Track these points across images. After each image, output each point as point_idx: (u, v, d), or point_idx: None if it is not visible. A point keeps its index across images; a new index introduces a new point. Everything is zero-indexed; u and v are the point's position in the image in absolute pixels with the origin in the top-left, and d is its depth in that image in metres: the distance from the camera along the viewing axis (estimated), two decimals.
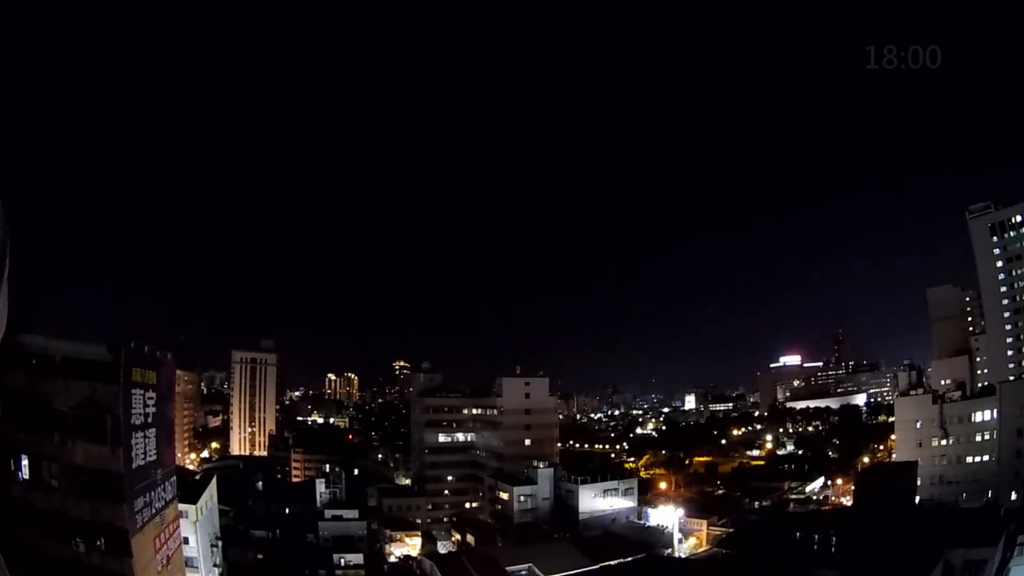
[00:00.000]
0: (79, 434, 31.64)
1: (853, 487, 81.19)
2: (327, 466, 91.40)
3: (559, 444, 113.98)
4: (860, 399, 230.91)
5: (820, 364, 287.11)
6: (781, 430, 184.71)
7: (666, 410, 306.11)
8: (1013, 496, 62.84)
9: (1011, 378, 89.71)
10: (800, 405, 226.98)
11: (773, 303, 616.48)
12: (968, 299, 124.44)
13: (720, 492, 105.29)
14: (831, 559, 41.32)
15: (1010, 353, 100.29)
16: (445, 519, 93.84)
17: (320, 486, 69.57)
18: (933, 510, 59.10)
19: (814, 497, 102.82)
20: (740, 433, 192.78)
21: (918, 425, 78.52)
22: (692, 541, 68.21)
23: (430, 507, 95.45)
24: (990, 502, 63.38)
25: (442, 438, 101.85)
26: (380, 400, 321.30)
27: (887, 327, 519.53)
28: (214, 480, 60.11)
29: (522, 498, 77.11)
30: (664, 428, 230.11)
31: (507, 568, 52.32)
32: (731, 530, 63.96)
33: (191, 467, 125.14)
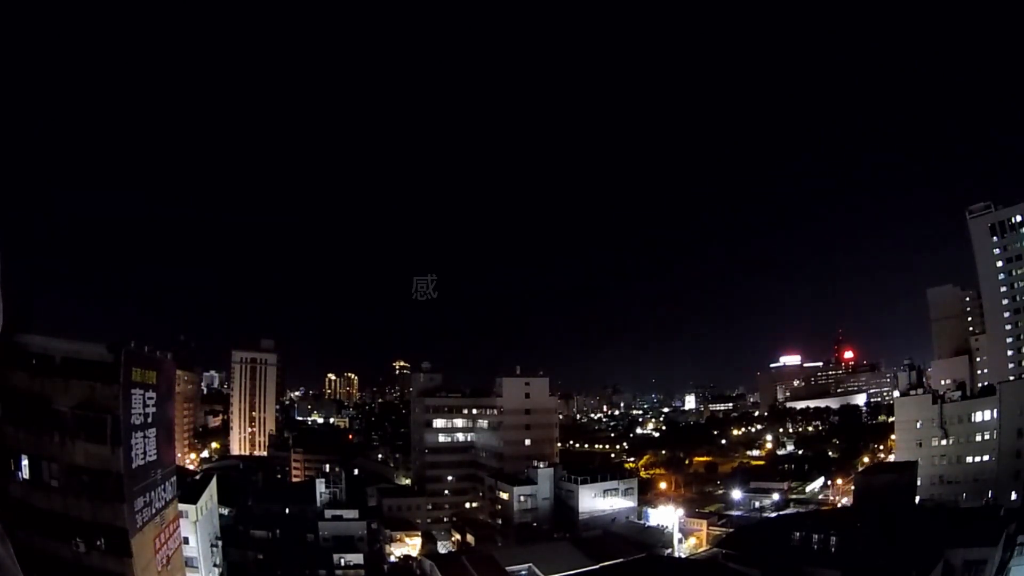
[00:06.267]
0: (79, 434, 31.69)
1: (853, 487, 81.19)
2: (327, 466, 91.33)
3: (559, 444, 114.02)
4: (860, 399, 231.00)
5: (820, 364, 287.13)
6: (781, 430, 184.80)
7: (666, 410, 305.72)
8: (1013, 496, 62.81)
9: (1011, 378, 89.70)
10: (800, 405, 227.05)
11: (773, 303, 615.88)
12: (968, 299, 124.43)
13: (720, 492, 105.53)
14: (831, 559, 41.33)
15: (1010, 353, 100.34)
16: (445, 519, 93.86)
17: (320, 486, 69.51)
18: (933, 510, 59.05)
19: (814, 497, 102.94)
20: (740, 433, 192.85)
21: (918, 425, 78.56)
22: (692, 541, 68.27)
23: (430, 507, 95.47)
24: (990, 502, 63.39)
25: (442, 438, 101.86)
26: (380, 400, 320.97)
27: (887, 327, 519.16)
28: (214, 480, 60.18)
29: (522, 498, 77.17)
30: (664, 428, 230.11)
31: (507, 568, 52.34)
32: (731, 530, 64.00)
33: (191, 467, 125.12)
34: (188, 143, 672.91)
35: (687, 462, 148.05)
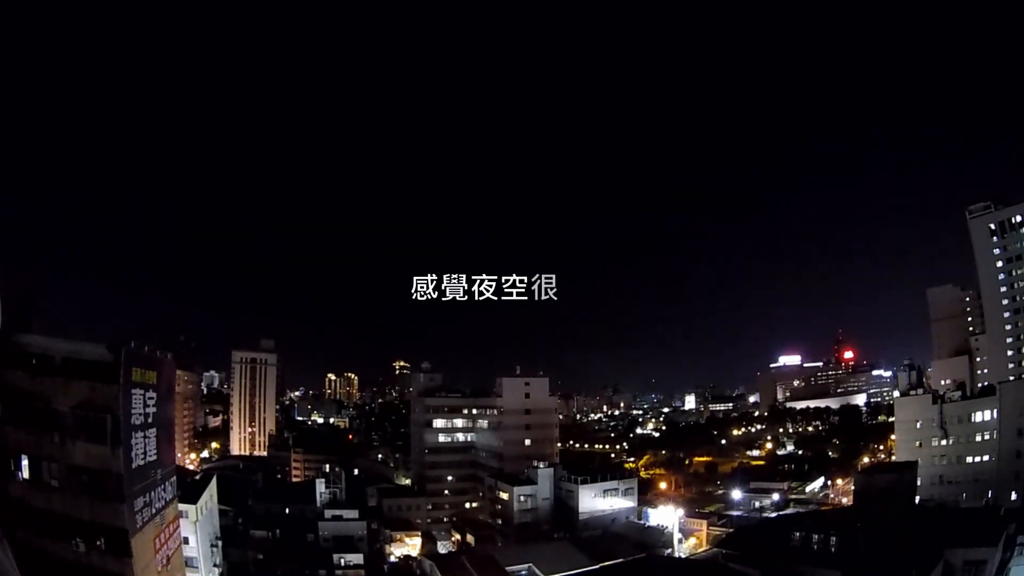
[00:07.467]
0: (79, 434, 31.62)
1: (853, 487, 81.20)
2: (327, 466, 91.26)
3: (559, 444, 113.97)
4: (860, 399, 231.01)
5: (820, 364, 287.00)
6: (781, 430, 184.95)
7: (666, 410, 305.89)
8: (1013, 496, 62.78)
9: (1011, 378, 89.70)
10: (800, 405, 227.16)
11: (773, 303, 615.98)
12: (968, 299, 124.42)
13: (720, 492, 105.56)
14: (831, 559, 41.27)
15: (1010, 353, 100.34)
16: (445, 519, 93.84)
17: (320, 486, 69.49)
18: (933, 510, 59.02)
19: (814, 497, 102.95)
20: (740, 433, 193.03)
21: (918, 425, 78.45)
22: (692, 541, 68.25)
23: (430, 507, 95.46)
24: (990, 502, 63.37)
25: (442, 438, 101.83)
26: (380, 400, 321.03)
27: (887, 327, 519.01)
28: (214, 480, 60.11)
29: (522, 498, 77.11)
30: (664, 428, 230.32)
31: (507, 568, 52.31)
32: (731, 530, 63.97)
33: (191, 467, 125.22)
34: (189, 143, 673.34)
35: (687, 462, 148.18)
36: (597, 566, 50.35)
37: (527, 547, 62.41)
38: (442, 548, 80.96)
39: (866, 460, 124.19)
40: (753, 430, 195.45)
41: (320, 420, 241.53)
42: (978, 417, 72.77)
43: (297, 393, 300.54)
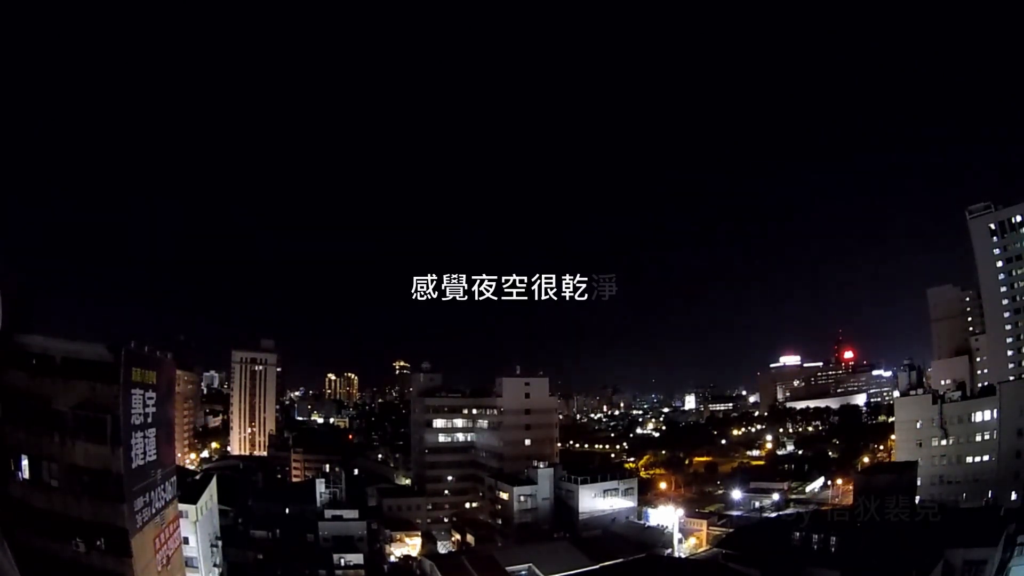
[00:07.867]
0: (79, 434, 31.65)
1: (853, 487, 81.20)
2: (327, 466, 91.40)
3: (559, 444, 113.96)
4: (860, 399, 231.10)
5: (820, 364, 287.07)
6: (781, 430, 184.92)
7: (666, 410, 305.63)
8: (1013, 496, 62.82)
9: (1011, 378, 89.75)
10: (800, 405, 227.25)
11: (773, 303, 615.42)
12: (968, 299, 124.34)
13: (720, 492, 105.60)
14: (831, 559, 41.30)
15: (1010, 353, 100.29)
16: (445, 519, 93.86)
17: (320, 486, 69.57)
18: (933, 510, 59.02)
19: (814, 497, 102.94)
20: (740, 433, 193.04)
21: (918, 425, 78.53)
22: (692, 541, 68.29)
23: (430, 507, 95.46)
24: (990, 502, 63.40)
25: (442, 438, 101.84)
26: (380, 400, 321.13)
27: (887, 327, 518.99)
28: (214, 480, 60.15)
29: (522, 498, 77.15)
30: (664, 428, 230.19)
31: (507, 568, 52.37)
32: (731, 530, 63.99)
33: (191, 467, 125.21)
34: (188, 143, 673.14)
35: (687, 462, 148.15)
36: (597, 566, 50.40)
37: (527, 547, 62.42)
38: (442, 548, 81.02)
39: (866, 460, 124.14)
40: (753, 430, 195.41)
41: (320, 420, 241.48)
42: (978, 417, 72.84)
43: (297, 393, 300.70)
